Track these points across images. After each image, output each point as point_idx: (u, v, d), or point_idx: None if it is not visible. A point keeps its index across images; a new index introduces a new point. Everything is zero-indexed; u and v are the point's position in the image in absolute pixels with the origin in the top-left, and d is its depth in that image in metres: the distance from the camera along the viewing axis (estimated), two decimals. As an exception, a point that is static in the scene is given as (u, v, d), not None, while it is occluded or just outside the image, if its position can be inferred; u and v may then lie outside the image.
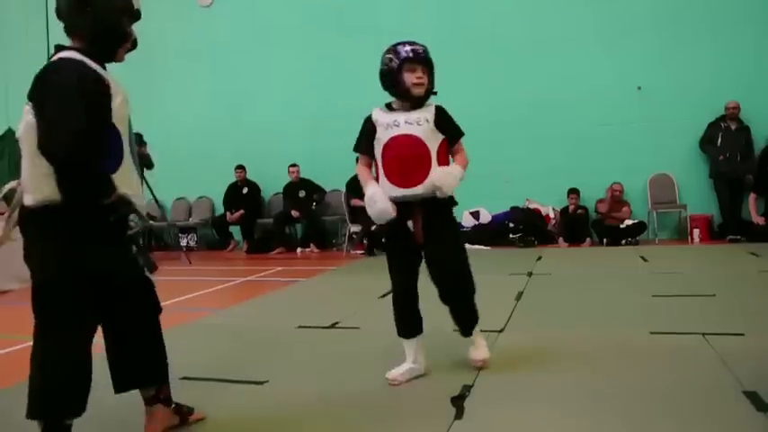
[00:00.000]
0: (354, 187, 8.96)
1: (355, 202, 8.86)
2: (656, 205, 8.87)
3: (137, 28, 2.44)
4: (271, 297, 5.81)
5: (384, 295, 5.37)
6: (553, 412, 2.65)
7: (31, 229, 2.25)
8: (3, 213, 2.60)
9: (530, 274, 6.16)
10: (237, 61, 10.82)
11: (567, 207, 8.94)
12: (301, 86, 10.42)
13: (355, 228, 9.15)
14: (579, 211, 8.87)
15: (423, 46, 3.08)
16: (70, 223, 2.19)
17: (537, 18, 9.34)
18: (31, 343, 2.27)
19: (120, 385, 2.45)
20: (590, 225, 8.85)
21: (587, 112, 9.09)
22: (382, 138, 3.08)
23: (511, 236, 8.99)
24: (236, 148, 10.59)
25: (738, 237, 8.18)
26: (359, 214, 8.85)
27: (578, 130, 9.10)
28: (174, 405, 2.58)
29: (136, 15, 2.40)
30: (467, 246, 8.99)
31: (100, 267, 2.24)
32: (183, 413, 2.61)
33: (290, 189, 10.12)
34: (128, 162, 2.33)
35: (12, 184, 2.35)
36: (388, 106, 3.18)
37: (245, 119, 10.78)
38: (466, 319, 3.28)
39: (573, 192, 8.90)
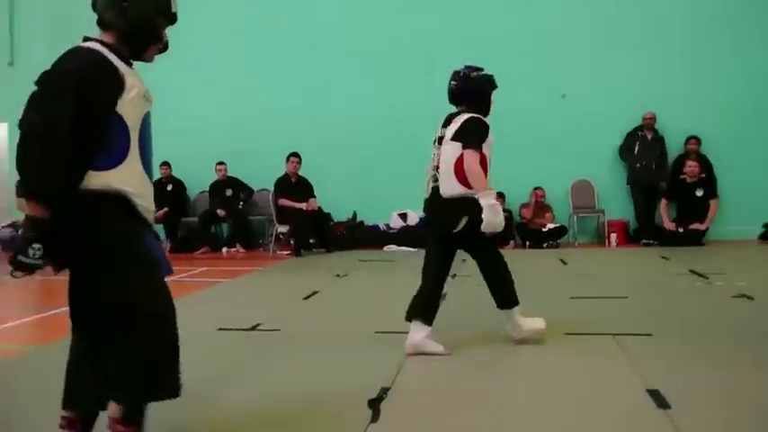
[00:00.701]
0: (283, 187, 8.88)
1: (283, 202, 8.77)
2: (576, 210, 9.18)
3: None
4: (193, 298, 5.67)
5: (308, 296, 5.35)
6: (471, 413, 2.70)
7: None
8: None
9: (453, 276, 6.24)
10: (162, 56, 10.50)
11: (492, 210, 9.11)
12: (230, 83, 10.24)
13: (282, 228, 9.06)
14: (504, 214, 9.05)
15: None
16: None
17: (466, 23, 9.49)
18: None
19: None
20: (514, 228, 9.06)
21: (513, 119, 9.25)
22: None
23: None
24: (160, 145, 10.21)
25: (652, 241, 8.56)
26: (286, 214, 8.78)
27: (504, 136, 9.22)
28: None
29: (172, 18, 2.36)
30: (393, 247, 9.02)
31: None
32: None
33: (217, 187, 9.93)
34: (133, 158, 2.22)
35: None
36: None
37: (171, 114, 10.45)
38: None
39: (498, 196, 9.03)
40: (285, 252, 8.96)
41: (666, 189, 8.80)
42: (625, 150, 9.03)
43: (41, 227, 2.04)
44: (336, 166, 9.76)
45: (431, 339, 3.54)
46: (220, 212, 9.66)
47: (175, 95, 10.45)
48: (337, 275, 6.54)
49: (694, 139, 8.83)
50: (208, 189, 10.09)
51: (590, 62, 9.16)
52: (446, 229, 3.59)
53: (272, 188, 9.21)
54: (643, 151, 8.86)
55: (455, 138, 3.61)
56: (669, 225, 8.59)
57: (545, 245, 8.77)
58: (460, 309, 4.81)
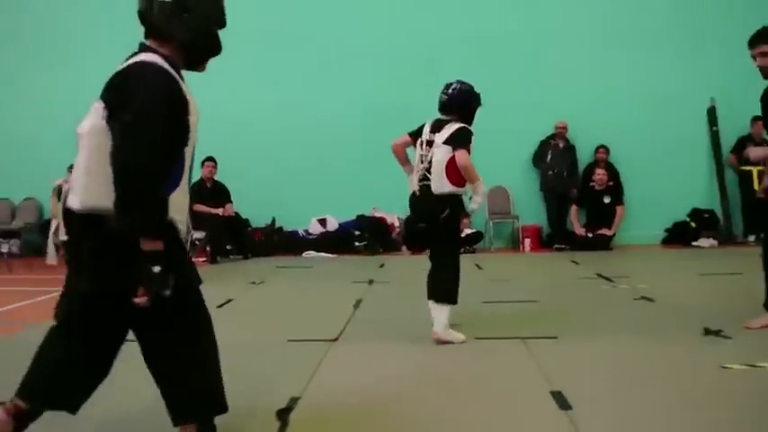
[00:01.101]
0: (198, 192, 8.65)
1: (198, 207, 8.54)
2: (492, 216, 9.39)
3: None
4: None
5: (222, 305, 5.23)
6: (379, 421, 2.70)
7: (78, 233, 2.12)
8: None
9: (370, 282, 6.27)
10: (76, 55, 10.07)
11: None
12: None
13: (198, 234, 8.83)
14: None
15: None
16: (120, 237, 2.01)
17: (384, 29, 9.57)
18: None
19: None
20: (432, 234, 9.16)
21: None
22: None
23: (356, 243, 9.11)
24: (67, 145, 9.80)
25: (563, 246, 8.86)
26: (202, 220, 8.57)
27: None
28: None
29: (223, 26, 2.30)
30: (312, 253, 8.95)
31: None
32: None
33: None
34: (184, 186, 2.17)
35: (60, 181, 2.10)
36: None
37: (78, 114, 10.04)
38: None
39: (417, 202, 9.16)
40: (201, 259, 8.73)
41: (577, 196, 9.14)
42: (538, 158, 9.31)
43: (162, 257, 2.00)
44: (255, 172, 9.60)
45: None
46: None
47: (80, 95, 10.06)
48: (253, 282, 6.43)
49: (603, 149, 9.22)
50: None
51: (506, 73, 9.39)
52: (433, 217, 4.03)
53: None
54: (555, 159, 9.16)
55: (447, 142, 4.03)
56: (579, 230, 8.92)
57: (462, 250, 8.86)
58: (374, 315, 4.82)
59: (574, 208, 9.09)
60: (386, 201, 9.47)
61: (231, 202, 8.74)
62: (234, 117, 9.63)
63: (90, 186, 2.06)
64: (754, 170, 8.18)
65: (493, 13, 9.46)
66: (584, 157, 9.39)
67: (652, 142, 9.15)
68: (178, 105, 2.10)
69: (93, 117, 2.10)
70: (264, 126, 9.67)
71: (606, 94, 9.27)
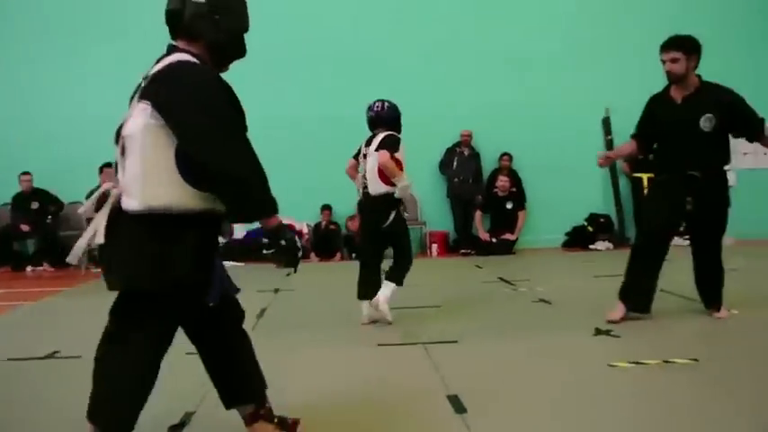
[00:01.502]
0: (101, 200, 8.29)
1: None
2: (400, 222, 9.47)
3: None
4: (-18, 324, 5.11)
5: (117, 318, 5.01)
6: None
7: (127, 233, 2.09)
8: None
9: (276, 291, 6.19)
10: None
11: (319, 223, 9.18)
12: (38, 87, 9.42)
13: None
14: (331, 226, 9.16)
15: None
16: (168, 235, 2.08)
17: (289, 35, 9.51)
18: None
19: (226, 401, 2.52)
20: (341, 240, 9.17)
21: (338, 132, 9.44)
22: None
23: (264, 251, 8.94)
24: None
25: (469, 251, 9.08)
26: (100, 229, 8.20)
27: (331, 148, 9.40)
28: (276, 419, 2.51)
29: (247, 30, 2.36)
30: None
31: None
32: (289, 425, 2.53)
33: (21, 200, 9.05)
34: None
35: (107, 185, 2.17)
36: None
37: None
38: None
39: (326, 208, 9.16)
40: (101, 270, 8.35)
41: (481, 202, 9.39)
42: (444, 166, 9.51)
43: (284, 226, 2.28)
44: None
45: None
46: (24, 227, 8.82)
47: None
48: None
49: (506, 156, 9.52)
50: (10, 201, 9.16)
51: (412, 81, 9.53)
52: (377, 225, 4.57)
53: (84, 201, 8.54)
54: (461, 167, 9.37)
55: (377, 149, 4.52)
56: (484, 235, 9.16)
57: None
58: (278, 324, 4.76)
59: (478, 213, 9.33)
60: (294, 208, 9.37)
61: (132, 210, 8.40)
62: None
63: (147, 187, 2.05)
64: (644, 176, 8.68)
65: (405, 26, 9.59)
66: (488, 164, 9.67)
67: (552, 150, 9.51)
68: (232, 96, 2.21)
69: (141, 117, 2.07)
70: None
71: (509, 103, 9.58)
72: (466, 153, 9.46)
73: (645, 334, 4.11)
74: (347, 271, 7.81)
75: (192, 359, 3.75)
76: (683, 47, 4.14)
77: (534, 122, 9.56)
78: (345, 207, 9.28)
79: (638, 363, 3.47)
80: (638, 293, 4.39)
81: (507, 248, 9.02)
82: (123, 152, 2.13)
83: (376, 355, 3.82)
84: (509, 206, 9.23)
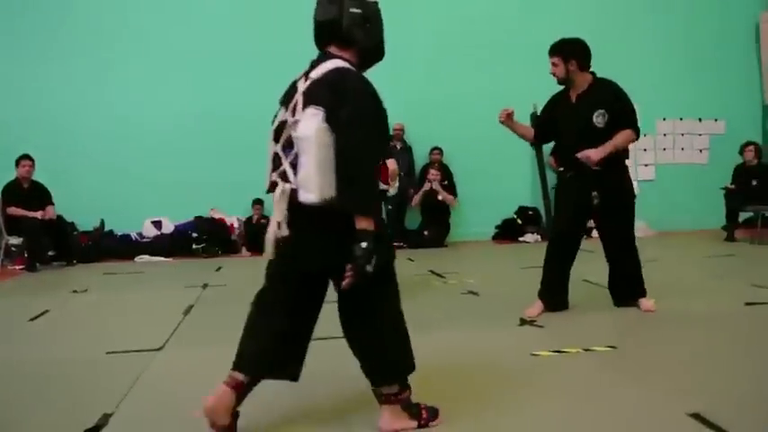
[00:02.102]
0: (13, 194, 7.94)
1: (13, 210, 7.82)
2: (333, 215, 9.45)
3: None
4: None
5: (35, 317, 4.83)
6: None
7: (303, 223, 2.37)
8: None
9: (205, 286, 6.08)
10: None
11: (251, 217, 9.05)
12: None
13: (15, 240, 8.09)
14: (263, 221, 9.04)
15: None
16: (342, 220, 2.32)
17: (218, 33, 9.33)
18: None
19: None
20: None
21: (256, 127, 9.32)
22: None
23: (194, 246, 8.79)
24: None
25: (401, 244, 9.13)
26: (18, 224, 7.86)
27: (262, 142, 9.28)
28: (413, 406, 2.61)
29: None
30: (145, 258, 8.52)
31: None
32: (421, 420, 2.60)
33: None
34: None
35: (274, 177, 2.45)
36: None
37: None
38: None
39: (257, 202, 9.04)
40: (18, 267, 8.00)
41: (413, 195, 9.46)
42: (377, 159, 9.52)
43: (371, 235, 2.30)
44: (81, 171, 8.98)
45: None
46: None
47: None
48: (75, 291, 5.98)
49: (437, 150, 9.61)
50: None
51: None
52: None
53: (-2, 195, 8.16)
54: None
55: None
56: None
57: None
58: (205, 321, 4.68)
59: (411, 207, 9.40)
60: (225, 202, 9.24)
61: (53, 203, 8.07)
62: (55, 113, 8.98)
63: (324, 181, 2.29)
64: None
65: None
66: (419, 158, 9.75)
67: (483, 144, 9.63)
68: (380, 104, 2.47)
69: (314, 121, 2.32)
70: (92, 123, 9.09)
71: (441, 98, 9.67)
72: (398, 147, 9.50)
73: (567, 324, 4.24)
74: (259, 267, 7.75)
75: (114, 358, 3.67)
76: (561, 52, 4.35)
77: (465, 117, 9.67)
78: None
79: (559, 351, 3.58)
80: (553, 294, 4.56)
81: (439, 241, 9.13)
82: (285, 149, 2.43)
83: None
84: (441, 199, 9.34)
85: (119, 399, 2.97)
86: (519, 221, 9.82)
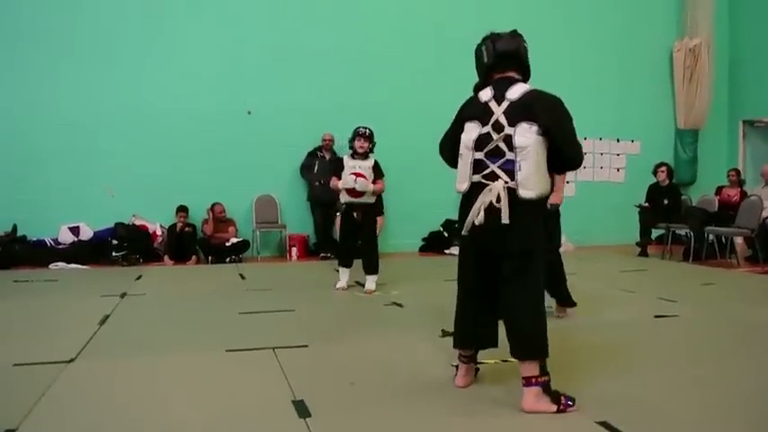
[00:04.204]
0: None
1: None
2: (259, 225, 9.35)
3: None
4: None
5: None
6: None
7: (523, 214, 2.92)
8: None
9: (123, 296, 5.88)
10: None
11: (174, 224, 8.83)
12: None
13: None
14: (187, 228, 8.85)
15: (367, 128, 6.36)
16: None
17: (154, 31, 9.10)
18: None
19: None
20: (197, 243, 8.89)
21: (198, 131, 9.17)
22: (347, 171, 6.06)
23: (114, 253, 8.49)
24: None
25: (329, 254, 9.11)
26: None
27: (188, 148, 9.11)
28: (553, 392, 2.91)
29: None
30: (61, 265, 8.16)
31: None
32: (560, 405, 2.87)
33: None
34: None
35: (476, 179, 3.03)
36: (352, 156, 6.18)
37: None
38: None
39: (182, 209, 8.83)
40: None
41: (341, 205, 9.44)
42: (305, 169, 9.49)
43: None
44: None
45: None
46: None
47: None
48: (-19, 299, 5.69)
49: (366, 161, 9.66)
50: None
51: (275, 86, 9.46)
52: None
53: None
54: (322, 170, 9.38)
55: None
56: (343, 239, 9.22)
57: (228, 259, 8.77)
58: (122, 331, 4.53)
59: (338, 217, 9.37)
60: (147, 208, 8.98)
61: (-41, 207, 7.64)
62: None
63: (540, 181, 2.93)
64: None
65: (262, 27, 9.47)
66: (349, 169, 9.75)
67: (410, 157, 9.75)
68: None
69: (530, 134, 2.89)
70: (4, 122, 8.66)
71: (370, 109, 9.70)
72: (327, 157, 9.50)
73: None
74: (201, 275, 7.60)
75: (21, 370, 3.50)
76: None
77: (393, 130, 9.76)
78: (204, 208, 9.01)
79: (477, 362, 3.64)
80: None
81: (366, 252, 9.14)
82: (510, 149, 2.93)
83: (224, 360, 3.73)
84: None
85: (23, 414, 2.83)
86: (445, 234, 9.98)
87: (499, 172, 2.95)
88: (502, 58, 3.08)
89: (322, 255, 9.18)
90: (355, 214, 6.21)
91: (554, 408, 2.85)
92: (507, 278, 2.98)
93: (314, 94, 9.54)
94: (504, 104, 2.98)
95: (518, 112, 2.92)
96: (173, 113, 9.08)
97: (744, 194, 9.19)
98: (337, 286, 6.25)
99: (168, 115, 9.05)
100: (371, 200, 6.26)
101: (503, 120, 2.95)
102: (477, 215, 2.96)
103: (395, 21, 9.99)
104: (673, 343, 4.25)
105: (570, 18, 10.76)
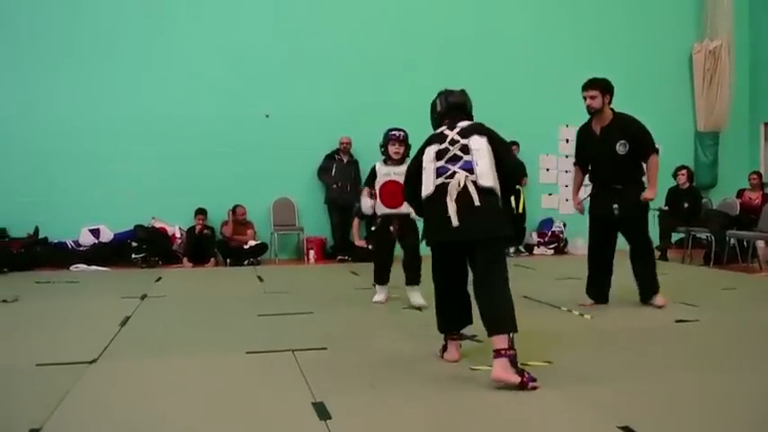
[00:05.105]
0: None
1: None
2: (277, 227, 9.40)
3: None
4: None
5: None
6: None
7: (490, 202, 3.48)
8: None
9: (143, 297, 5.94)
10: None
11: (193, 227, 8.90)
12: None
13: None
14: (206, 231, 8.91)
15: (402, 130, 5.75)
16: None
17: (174, 36, 9.19)
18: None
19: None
20: (215, 245, 8.95)
21: (216, 135, 9.24)
22: (380, 180, 5.52)
23: (133, 255, 8.58)
24: None
25: (346, 257, 9.13)
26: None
27: (207, 151, 9.19)
28: (519, 366, 3.20)
29: None
30: (82, 266, 8.26)
31: None
32: (524, 379, 3.14)
33: None
34: None
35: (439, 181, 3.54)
36: (385, 162, 5.61)
37: None
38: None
39: (200, 212, 8.90)
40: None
41: (358, 209, 9.45)
42: (323, 172, 9.52)
43: None
44: (14, 175, 8.67)
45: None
46: None
47: None
48: (5, 301, 5.75)
49: (383, 164, 9.66)
50: None
51: (293, 90, 9.50)
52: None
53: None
54: (339, 173, 9.42)
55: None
56: (360, 242, 9.21)
57: (246, 262, 8.82)
58: (143, 333, 4.57)
59: (356, 221, 9.38)
60: (166, 210, 9.05)
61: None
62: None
63: (496, 179, 3.47)
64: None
65: (279, 31, 9.52)
66: (365, 171, 9.73)
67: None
68: None
69: (480, 141, 3.52)
70: (25, 128, 8.78)
71: (387, 111, 9.70)
72: (345, 160, 9.53)
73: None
74: (219, 277, 7.65)
75: (44, 371, 3.54)
76: (600, 86, 5.22)
77: (414, 129, 9.67)
78: (222, 211, 9.06)
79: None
80: (597, 291, 5.46)
81: (383, 255, 9.14)
82: (466, 153, 3.50)
83: (244, 363, 3.75)
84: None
85: (47, 414, 2.86)
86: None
87: (459, 171, 3.46)
88: (453, 107, 3.80)
89: (339, 257, 9.20)
90: (392, 228, 5.55)
91: (518, 379, 3.14)
92: (481, 264, 3.41)
93: (331, 98, 9.57)
94: (457, 129, 3.62)
95: (468, 132, 3.58)
96: (192, 118, 9.16)
97: (766, 198, 9.08)
98: (375, 300, 5.74)
99: (188, 119, 9.14)
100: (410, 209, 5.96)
101: (457, 137, 3.57)
102: (451, 213, 3.37)
103: (413, 22, 9.99)
104: (695, 348, 4.20)
105: (586, 21, 10.68)
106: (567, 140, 10.11)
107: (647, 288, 5.41)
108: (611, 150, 5.20)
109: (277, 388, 3.29)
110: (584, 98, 5.25)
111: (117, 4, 9.06)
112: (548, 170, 10.59)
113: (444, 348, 3.77)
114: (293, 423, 2.80)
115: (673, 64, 11.28)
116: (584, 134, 5.49)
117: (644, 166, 5.43)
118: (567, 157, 10.26)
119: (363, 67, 9.76)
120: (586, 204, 5.56)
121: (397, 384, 3.32)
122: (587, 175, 5.61)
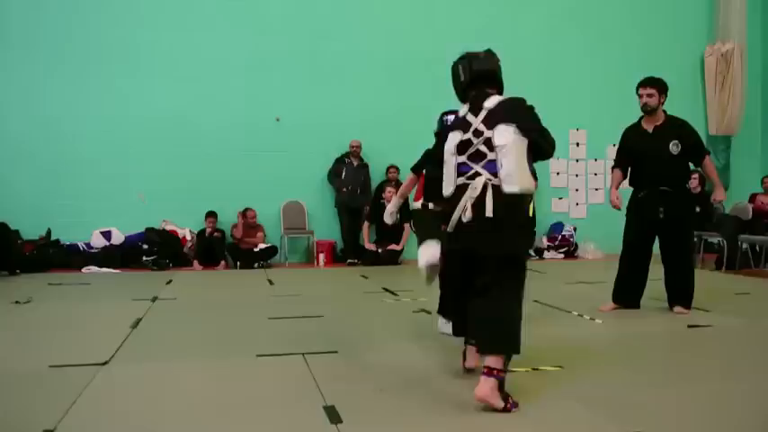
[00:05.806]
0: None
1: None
2: (287, 231, 9.42)
3: None
4: None
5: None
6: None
7: (509, 215, 3.15)
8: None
9: (154, 299, 5.96)
10: None
11: (204, 229, 8.93)
12: None
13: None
14: (216, 234, 8.94)
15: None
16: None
17: (185, 40, 9.24)
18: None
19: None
20: (226, 248, 8.97)
21: (227, 138, 9.28)
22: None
23: (144, 258, 8.62)
24: None
25: (356, 260, 9.14)
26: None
27: (218, 154, 9.23)
28: (505, 391, 2.99)
29: None
30: (93, 269, 8.26)
31: None
32: (507, 405, 2.95)
33: None
34: None
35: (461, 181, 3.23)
36: None
37: None
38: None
39: (211, 215, 8.93)
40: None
41: (368, 212, 9.48)
42: (333, 175, 9.54)
43: None
44: (26, 177, 8.74)
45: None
46: None
47: None
48: (17, 302, 5.80)
49: (394, 168, 9.67)
50: None
51: (303, 94, 9.52)
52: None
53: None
54: (349, 177, 9.44)
55: None
56: (370, 246, 9.25)
57: (256, 265, 8.84)
58: (154, 335, 4.58)
59: (366, 224, 9.41)
60: (177, 213, 9.10)
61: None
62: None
63: (523, 177, 3.07)
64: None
65: (289, 36, 9.54)
66: (375, 175, 9.78)
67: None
68: None
69: (507, 133, 3.07)
70: (38, 129, 8.85)
71: (397, 116, 9.74)
72: (355, 164, 9.54)
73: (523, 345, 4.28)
74: (230, 280, 7.67)
75: (57, 372, 3.56)
76: (658, 85, 5.19)
77: (420, 134, 9.70)
78: (232, 214, 9.10)
79: (508, 370, 3.61)
80: (626, 295, 5.41)
81: (393, 259, 9.16)
82: (490, 150, 3.10)
83: (254, 366, 3.76)
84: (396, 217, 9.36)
85: (60, 415, 2.87)
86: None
87: (482, 171, 3.12)
88: (478, 77, 3.32)
89: (349, 261, 9.21)
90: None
91: (502, 405, 2.94)
92: (487, 280, 3.08)
93: (341, 102, 9.59)
94: (482, 114, 3.19)
95: (495, 118, 3.14)
96: (202, 121, 9.20)
97: (779, 202, 9.01)
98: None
99: (198, 123, 9.18)
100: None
101: (481, 127, 3.16)
102: (463, 211, 3.11)
103: (424, 26, 9.99)
104: (708, 354, 4.17)
105: (596, 25, 10.65)
106: (578, 144, 10.09)
107: (686, 294, 5.32)
108: (664, 149, 5.16)
109: (288, 391, 3.29)
110: (640, 96, 5.24)
111: (133, 9, 9.12)
112: (558, 174, 10.52)
113: (464, 356, 3.53)
114: (304, 427, 2.80)
115: (684, 67, 11.22)
116: (634, 133, 5.43)
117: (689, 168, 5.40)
118: (577, 161, 10.26)
119: (374, 71, 9.79)
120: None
121: (407, 389, 3.31)
122: (626, 180, 5.55)
